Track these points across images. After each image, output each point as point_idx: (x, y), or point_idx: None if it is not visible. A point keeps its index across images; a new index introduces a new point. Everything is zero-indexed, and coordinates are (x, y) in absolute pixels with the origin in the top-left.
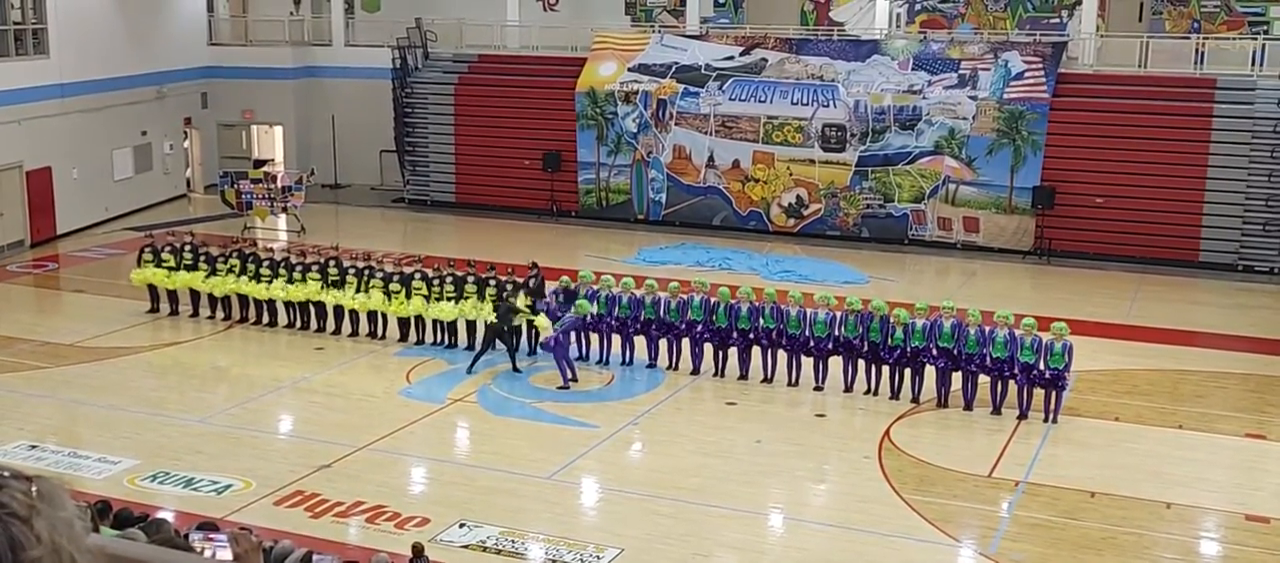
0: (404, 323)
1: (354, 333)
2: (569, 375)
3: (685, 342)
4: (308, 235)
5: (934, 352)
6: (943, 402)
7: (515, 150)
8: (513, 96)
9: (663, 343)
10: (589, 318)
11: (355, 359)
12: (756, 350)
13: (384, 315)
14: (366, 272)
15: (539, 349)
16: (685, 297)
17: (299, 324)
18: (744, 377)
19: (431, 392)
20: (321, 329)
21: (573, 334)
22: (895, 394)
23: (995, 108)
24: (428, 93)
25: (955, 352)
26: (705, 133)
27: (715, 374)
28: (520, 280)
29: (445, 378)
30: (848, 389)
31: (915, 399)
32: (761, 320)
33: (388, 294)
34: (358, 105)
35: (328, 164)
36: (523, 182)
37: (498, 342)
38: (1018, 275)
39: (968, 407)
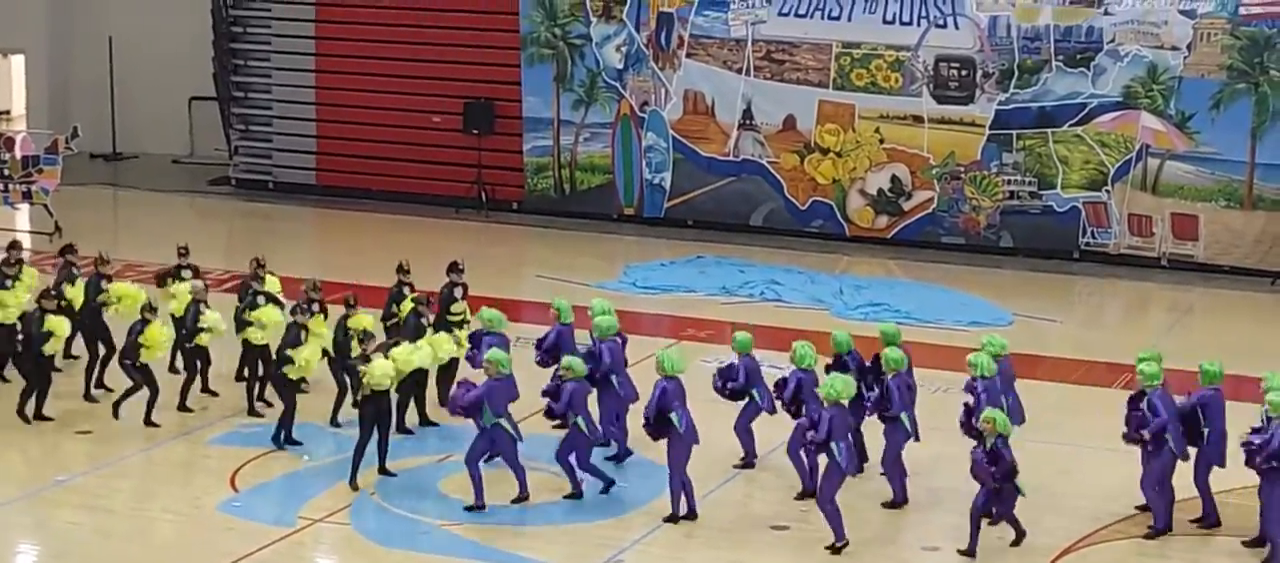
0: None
1: (148, 403)
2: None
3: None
4: (64, 238)
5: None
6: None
7: (417, 100)
8: (412, 9)
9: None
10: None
11: (145, 449)
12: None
13: (203, 369)
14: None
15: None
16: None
17: (41, 385)
18: (808, 492)
19: (273, 506)
20: (88, 394)
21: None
22: None
23: (1226, 27)
24: (271, 2)
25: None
26: (738, 70)
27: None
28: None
29: (295, 483)
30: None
31: None
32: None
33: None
34: (154, 23)
35: (102, 119)
36: (430, 153)
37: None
38: (1264, 314)
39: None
